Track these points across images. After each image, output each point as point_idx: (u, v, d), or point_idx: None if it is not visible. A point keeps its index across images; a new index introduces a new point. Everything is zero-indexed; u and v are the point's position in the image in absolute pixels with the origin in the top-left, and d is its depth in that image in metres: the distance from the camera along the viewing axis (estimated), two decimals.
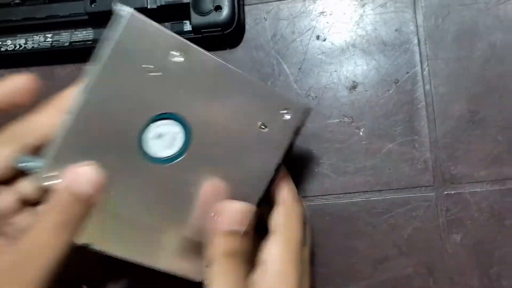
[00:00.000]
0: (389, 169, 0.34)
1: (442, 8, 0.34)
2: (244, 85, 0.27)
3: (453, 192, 0.33)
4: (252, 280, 0.27)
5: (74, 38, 0.36)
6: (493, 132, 0.33)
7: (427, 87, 0.34)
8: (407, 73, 0.34)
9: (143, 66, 0.24)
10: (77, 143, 0.24)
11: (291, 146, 0.28)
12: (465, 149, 0.33)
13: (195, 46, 0.25)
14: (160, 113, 0.26)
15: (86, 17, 0.35)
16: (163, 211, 0.27)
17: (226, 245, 0.26)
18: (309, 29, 0.35)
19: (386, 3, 0.34)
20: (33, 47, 0.36)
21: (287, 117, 0.28)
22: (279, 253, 0.28)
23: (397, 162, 0.34)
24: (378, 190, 0.34)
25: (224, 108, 0.27)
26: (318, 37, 0.35)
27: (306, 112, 0.29)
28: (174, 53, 0.25)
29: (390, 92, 0.34)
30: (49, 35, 0.36)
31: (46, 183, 0.24)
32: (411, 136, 0.34)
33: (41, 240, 0.22)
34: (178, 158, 0.26)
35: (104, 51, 0.24)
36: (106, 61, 0.24)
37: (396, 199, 0.34)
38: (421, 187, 0.33)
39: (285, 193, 0.29)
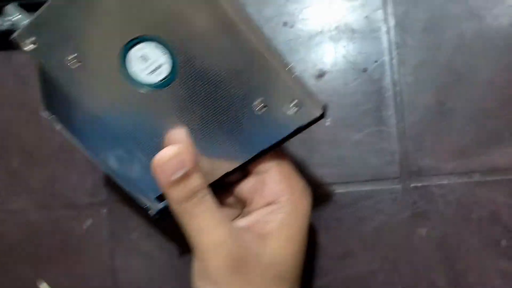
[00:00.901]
0: (355, 160, 0.33)
1: None
2: (259, 55, 0.24)
3: (420, 184, 0.32)
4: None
5: None
6: (461, 123, 0.32)
7: (395, 76, 0.33)
8: (376, 61, 0.33)
9: None
10: (58, 21, 0.26)
11: (282, 141, 0.26)
12: (433, 140, 0.32)
13: None
14: (147, 35, 0.25)
15: None
16: (140, 136, 0.27)
17: (178, 194, 0.24)
18: (276, 16, 0.34)
19: None
20: None
21: (294, 110, 0.25)
22: (285, 227, 0.26)
23: (364, 153, 0.33)
24: (344, 182, 0.33)
25: (221, 62, 0.25)
26: (285, 24, 0.34)
27: (316, 114, 0.25)
28: None
29: (358, 80, 0.33)
30: None
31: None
32: (379, 126, 0.33)
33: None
34: (157, 87, 0.26)
35: None
36: None
37: (362, 191, 0.33)
38: (388, 179, 0.32)
39: (282, 165, 0.27)
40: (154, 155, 0.24)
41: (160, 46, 0.25)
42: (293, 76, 0.25)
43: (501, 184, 0.31)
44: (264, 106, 0.25)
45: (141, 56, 0.26)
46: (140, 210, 0.29)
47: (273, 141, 0.26)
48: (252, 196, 0.27)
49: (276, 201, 0.26)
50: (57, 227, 0.35)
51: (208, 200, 0.25)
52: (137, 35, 0.25)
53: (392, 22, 0.33)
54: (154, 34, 0.25)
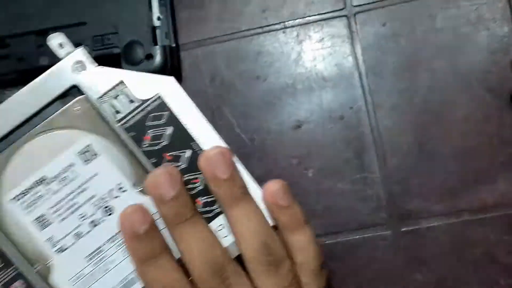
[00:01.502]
0: (343, 209, 0.32)
1: (380, 39, 0.33)
2: None
3: (410, 228, 0.31)
4: None
5: (5, 98, 0.34)
6: (443, 162, 0.31)
7: (373, 121, 0.32)
8: (351, 108, 0.33)
9: None
10: None
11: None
12: (418, 182, 0.32)
13: None
14: None
15: (14, 75, 0.33)
16: None
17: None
18: (247, 70, 0.34)
19: (323, 38, 0.33)
20: None
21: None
22: None
23: (350, 201, 0.32)
24: (334, 232, 0.32)
25: None
26: (257, 78, 0.34)
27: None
28: None
29: (336, 128, 0.33)
30: None
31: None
32: (362, 173, 0.32)
33: None
34: None
35: None
36: None
37: (353, 240, 0.32)
38: (377, 225, 0.32)
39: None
40: None
41: None
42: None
43: (491, 222, 0.31)
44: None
45: None
46: None
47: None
48: None
49: None
50: None
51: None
52: None
53: (363, 68, 0.33)
54: None
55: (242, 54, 0.34)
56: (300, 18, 0.33)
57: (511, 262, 0.30)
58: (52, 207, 0.24)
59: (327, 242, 0.32)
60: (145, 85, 0.25)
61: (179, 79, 0.34)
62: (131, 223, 0.23)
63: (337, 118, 0.33)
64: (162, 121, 0.25)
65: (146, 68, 0.32)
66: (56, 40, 0.25)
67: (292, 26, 0.34)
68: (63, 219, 0.24)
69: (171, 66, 0.32)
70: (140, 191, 0.25)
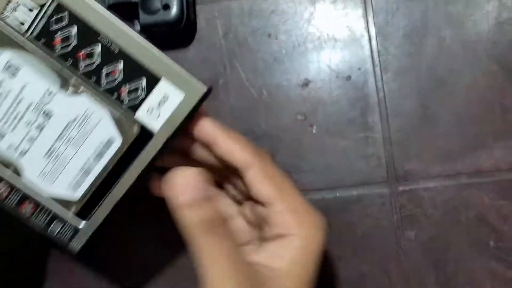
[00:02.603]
0: (343, 166, 0.33)
1: (392, 4, 0.33)
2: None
3: (407, 188, 0.33)
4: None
5: None
6: (445, 127, 0.32)
7: (379, 83, 0.33)
8: (359, 69, 0.34)
9: None
10: None
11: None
12: (418, 145, 0.33)
13: None
14: None
15: None
16: None
17: (195, 217, 0.24)
18: (260, 28, 0.35)
19: (336, 0, 0.34)
20: None
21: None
22: (297, 265, 0.25)
23: (351, 159, 0.33)
24: (332, 188, 0.33)
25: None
26: (269, 35, 0.35)
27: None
28: None
29: (343, 88, 0.34)
30: None
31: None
32: (365, 132, 0.33)
33: None
34: None
35: None
36: None
37: (350, 196, 0.33)
38: (375, 183, 0.33)
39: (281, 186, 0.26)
40: None
41: None
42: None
43: (487, 186, 0.32)
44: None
45: None
46: None
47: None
48: (262, 224, 0.27)
49: (286, 234, 0.25)
50: None
51: (222, 230, 0.24)
52: None
53: (373, 31, 0.34)
54: None
55: (256, 12, 0.35)
56: None
57: (502, 226, 0.31)
58: (1, 120, 0.27)
59: (325, 196, 0.33)
60: None
61: (194, 31, 0.35)
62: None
63: (345, 78, 0.34)
64: (64, 23, 0.26)
65: (162, 17, 0.33)
66: None
67: None
68: (13, 129, 0.27)
69: (187, 18, 0.33)
70: (69, 92, 0.27)
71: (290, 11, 0.35)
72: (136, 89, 0.26)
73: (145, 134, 0.27)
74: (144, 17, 0.33)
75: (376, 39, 0.34)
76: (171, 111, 0.26)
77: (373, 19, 0.34)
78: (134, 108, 0.27)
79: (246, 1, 0.35)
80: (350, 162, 0.33)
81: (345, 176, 0.33)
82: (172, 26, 0.33)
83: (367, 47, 0.34)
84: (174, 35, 0.34)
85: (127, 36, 0.26)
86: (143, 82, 0.26)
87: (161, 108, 0.26)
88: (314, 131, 0.34)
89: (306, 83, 0.34)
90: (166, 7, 0.33)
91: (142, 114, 0.27)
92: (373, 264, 0.32)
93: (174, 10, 0.33)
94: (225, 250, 0.24)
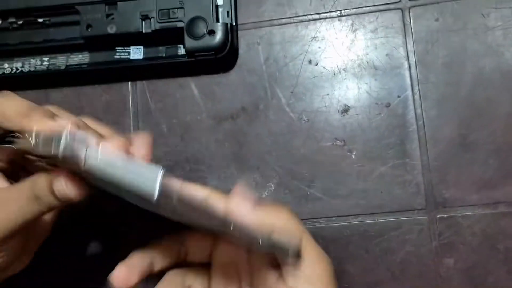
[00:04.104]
0: (381, 192, 0.34)
1: (432, 34, 0.34)
2: None
3: (445, 215, 0.33)
4: None
5: (70, 61, 0.37)
6: (483, 155, 0.33)
7: (418, 110, 0.34)
8: (399, 96, 0.34)
9: None
10: None
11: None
12: (457, 172, 0.33)
13: None
14: None
15: (82, 41, 0.36)
16: None
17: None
18: (301, 54, 0.35)
19: (376, 29, 0.35)
20: (29, 70, 0.37)
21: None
22: None
23: (389, 185, 0.34)
24: (371, 213, 0.34)
25: None
26: (310, 62, 0.35)
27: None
28: None
29: (382, 115, 0.34)
30: (46, 59, 0.37)
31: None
32: (403, 159, 0.34)
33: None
34: None
35: None
36: None
37: (389, 222, 0.33)
38: (414, 210, 0.33)
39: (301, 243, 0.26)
40: None
41: None
42: None
43: None
44: None
45: None
46: None
47: None
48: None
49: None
50: None
51: None
52: None
53: (413, 59, 0.34)
54: None
55: (297, 38, 0.36)
56: (357, 8, 0.35)
57: None
58: None
59: (364, 222, 0.34)
60: None
61: (236, 57, 0.36)
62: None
63: (384, 105, 0.34)
64: None
65: (207, 43, 0.34)
66: None
67: (348, 15, 0.35)
68: None
69: (230, 43, 0.34)
70: None
71: (331, 38, 0.35)
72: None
73: None
74: (189, 42, 0.34)
75: (416, 68, 0.34)
76: None
77: (413, 47, 0.34)
78: None
79: (287, 27, 0.36)
80: (389, 188, 0.34)
81: (384, 202, 0.34)
82: (216, 51, 0.34)
83: (406, 75, 0.34)
84: (217, 60, 0.35)
85: None
86: None
87: None
88: (353, 156, 0.34)
89: (346, 109, 0.35)
90: (211, 32, 0.34)
91: None
92: None
93: (219, 36, 0.34)
94: None
